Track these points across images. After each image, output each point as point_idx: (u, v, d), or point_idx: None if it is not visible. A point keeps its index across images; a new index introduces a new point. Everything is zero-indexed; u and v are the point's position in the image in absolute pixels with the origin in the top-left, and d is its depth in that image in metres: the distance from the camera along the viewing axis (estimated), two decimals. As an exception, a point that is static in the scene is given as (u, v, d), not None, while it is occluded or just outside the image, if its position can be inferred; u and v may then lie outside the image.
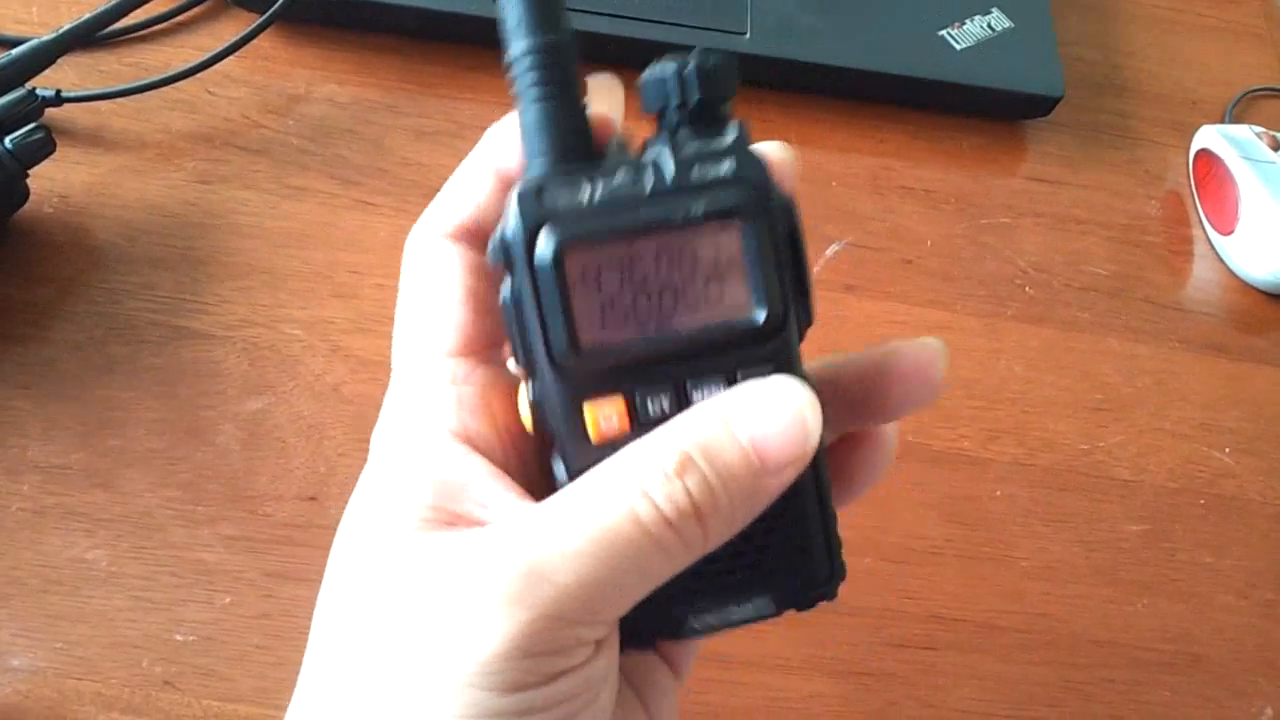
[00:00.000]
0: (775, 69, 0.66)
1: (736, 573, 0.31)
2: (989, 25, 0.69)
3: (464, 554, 0.27)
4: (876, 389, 0.33)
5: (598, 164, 0.29)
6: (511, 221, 0.28)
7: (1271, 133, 0.69)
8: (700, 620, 0.31)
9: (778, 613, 0.31)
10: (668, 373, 0.29)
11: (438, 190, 0.60)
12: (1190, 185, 0.70)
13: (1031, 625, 0.54)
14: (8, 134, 0.52)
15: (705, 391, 0.29)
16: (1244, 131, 0.69)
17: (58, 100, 0.56)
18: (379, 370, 0.54)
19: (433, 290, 0.31)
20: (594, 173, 0.28)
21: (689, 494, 0.27)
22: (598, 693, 0.29)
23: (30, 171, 0.53)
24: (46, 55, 0.55)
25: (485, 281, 0.30)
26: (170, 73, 0.59)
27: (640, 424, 0.28)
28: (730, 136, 0.29)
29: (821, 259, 0.62)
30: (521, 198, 0.27)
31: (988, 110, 0.69)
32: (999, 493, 0.57)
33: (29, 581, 0.47)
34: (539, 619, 0.26)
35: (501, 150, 0.30)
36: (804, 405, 0.28)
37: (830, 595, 0.32)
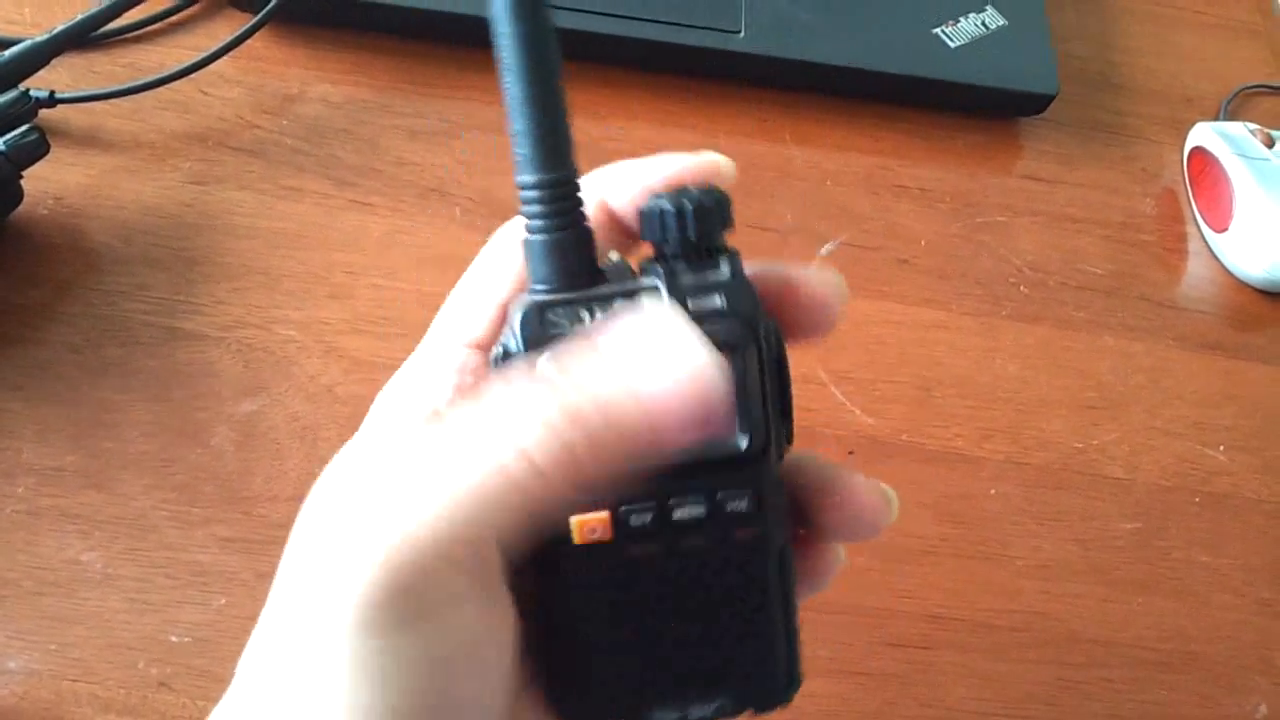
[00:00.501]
0: (769, 68, 0.66)
1: (700, 673, 0.32)
2: (983, 23, 0.69)
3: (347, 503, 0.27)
4: (824, 510, 0.33)
5: (597, 287, 0.30)
6: (514, 340, 0.29)
7: (1266, 130, 0.69)
8: (661, 716, 0.32)
9: (736, 714, 0.32)
10: (652, 490, 0.30)
11: (432, 190, 0.61)
12: (1185, 183, 0.70)
13: (1027, 624, 0.54)
14: (1, 136, 0.52)
15: (686, 511, 0.30)
16: (1238, 128, 0.69)
17: (52, 101, 0.56)
18: (374, 371, 0.54)
19: (488, 283, 0.32)
20: (592, 300, 0.30)
21: (570, 450, 0.26)
22: (480, 651, 0.28)
23: (24, 173, 0.53)
24: (40, 56, 0.55)
25: None
26: (164, 73, 0.59)
27: (623, 535, 0.30)
28: (724, 270, 0.30)
29: (816, 258, 0.62)
30: (525, 318, 0.29)
31: (982, 108, 0.69)
32: (993, 491, 0.57)
33: (24, 583, 0.47)
34: (396, 555, 0.25)
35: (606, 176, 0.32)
36: (703, 366, 0.27)
37: (785, 701, 0.33)
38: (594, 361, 0.27)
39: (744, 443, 0.30)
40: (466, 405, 0.28)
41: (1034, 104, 0.69)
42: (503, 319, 0.31)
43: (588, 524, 0.30)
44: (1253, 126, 0.69)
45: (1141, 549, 0.57)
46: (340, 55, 0.64)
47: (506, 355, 0.30)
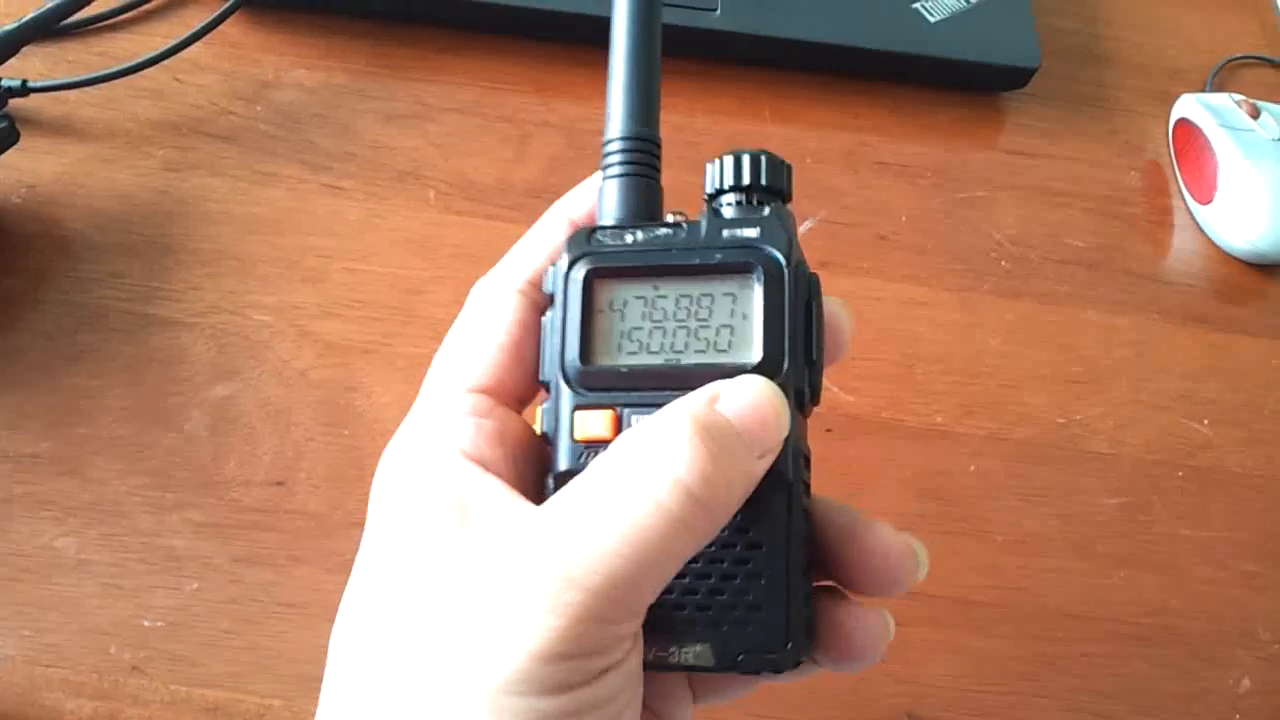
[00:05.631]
0: (746, 44, 0.66)
1: (684, 612, 0.30)
2: (964, -3, 0.68)
3: (495, 558, 0.27)
4: (844, 557, 0.33)
5: (653, 222, 0.33)
6: (564, 254, 0.32)
7: (1251, 100, 0.68)
8: (650, 652, 0.30)
9: (715, 667, 0.30)
10: (658, 398, 0.30)
11: (407, 173, 0.61)
12: (1170, 155, 0.70)
13: (1007, 599, 0.54)
14: (-29, 125, 0.52)
15: None
16: (1223, 100, 0.68)
17: (24, 90, 0.56)
18: (346, 355, 0.54)
19: (480, 332, 0.33)
20: (646, 226, 0.32)
21: (710, 463, 0.27)
22: (637, 688, 0.29)
23: (-4, 162, 0.54)
24: (10, 45, 0.55)
25: (532, 338, 0.33)
26: (137, 60, 0.59)
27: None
28: (769, 210, 0.32)
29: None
30: (573, 236, 0.32)
31: (963, 83, 0.69)
32: (974, 467, 0.57)
33: (-3, 571, 0.48)
34: (574, 623, 0.26)
35: (578, 206, 0.35)
36: (773, 395, 0.29)
37: (779, 667, 0.31)
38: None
39: (754, 358, 0.31)
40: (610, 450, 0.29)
41: (1016, 78, 0.68)
42: (510, 359, 0.33)
43: (588, 418, 0.31)
44: (1238, 97, 0.69)
45: (1124, 523, 0.57)
46: (314, 40, 0.64)
47: (554, 274, 0.32)
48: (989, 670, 0.52)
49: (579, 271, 0.31)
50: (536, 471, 0.32)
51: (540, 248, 0.34)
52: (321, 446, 0.52)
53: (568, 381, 0.31)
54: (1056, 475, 0.57)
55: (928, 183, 0.65)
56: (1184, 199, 0.68)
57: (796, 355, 0.31)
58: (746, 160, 0.33)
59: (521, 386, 0.33)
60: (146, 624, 0.47)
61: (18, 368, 0.52)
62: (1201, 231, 0.67)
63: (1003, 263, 0.64)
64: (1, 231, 0.55)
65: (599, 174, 0.34)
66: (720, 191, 0.33)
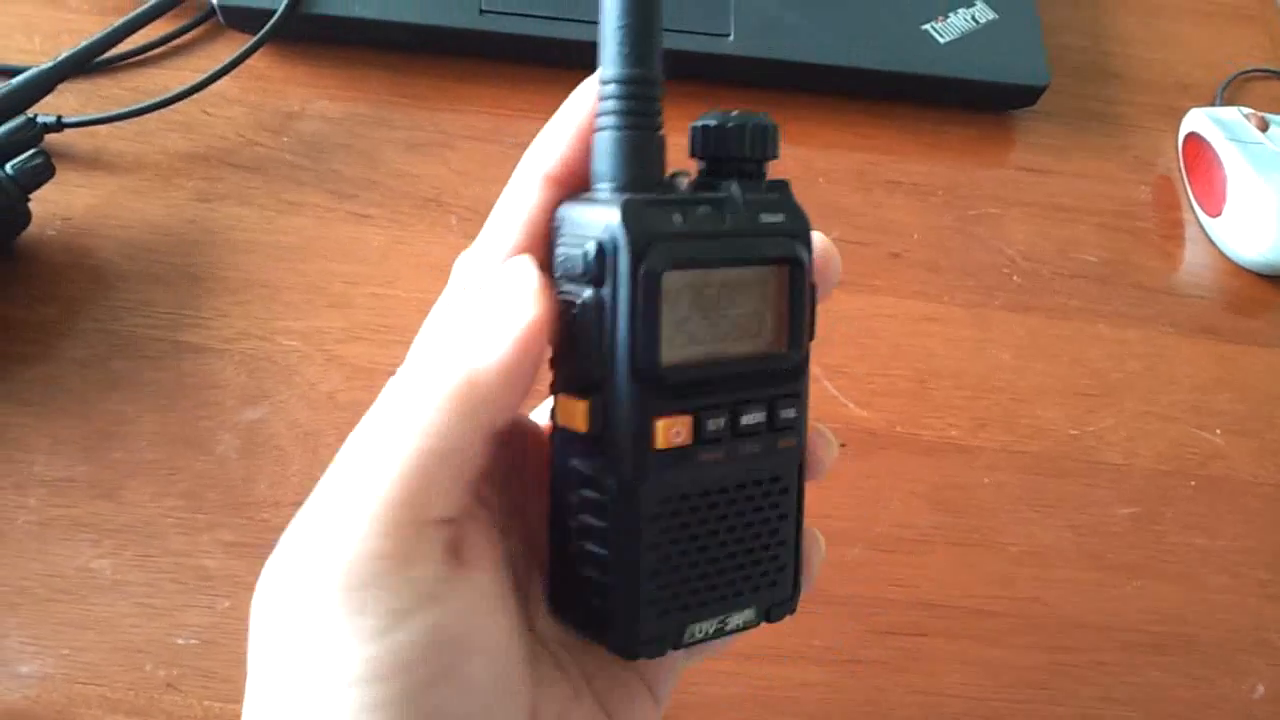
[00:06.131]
0: (759, 69, 0.67)
1: (735, 582, 0.33)
2: (973, 17, 0.69)
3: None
4: None
5: (673, 191, 0.32)
6: (618, 233, 0.29)
7: (1260, 114, 0.69)
8: (700, 628, 0.33)
9: (757, 623, 0.34)
10: (723, 396, 0.32)
11: (429, 200, 0.62)
12: (1180, 169, 0.71)
13: (1021, 610, 0.54)
14: (8, 160, 0.54)
15: (750, 416, 0.32)
16: (1232, 113, 0.69)
17: (58, 126, 0.58)
18: (373, 377, 0.56)
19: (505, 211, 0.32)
20: (680, 201, 0.31)
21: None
22: (466, 651, 0.29)
23: (31, 195, 0.55)
24: (46, 82, 0.57)
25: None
26: (167, 95, 0.61)
27: (699, 440, 0.31)
28: (781, 193, 0.33)
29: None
30: (627, 211, 0.29)
31: (973, 102, 0.70)
32: (988, 480, 0.58)
33: (36, 591, 0.49)
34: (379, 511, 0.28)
35: (548, 158, 0.32)
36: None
37: (793, 610, 0.35)
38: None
39: (797, 353, 0.33)
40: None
41: (1025, 96, 0.69)
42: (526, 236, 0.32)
43: (672, 426, 0.31)
44: (1246, 110, 0.70)
45: (1137, 534, 0.57)
46: (337, 71, 0.65)
47: (602, 251, 0.30)
48: (1004, 679, 0.52)
49: (652, 262, 0.29)
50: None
51: (519, 214, 0.32)
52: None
53: (639, 383, 0.30)
54: (1069, 487, 0.58)
55: (939, 200, 0.67)
56: (1194, 212, 0.69)
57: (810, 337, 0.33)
58: (749, 132, 0.32)
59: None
60: (180, 642, 0.49)
61: (53, 395, 0.53)
62: (1212, 244, 0.68)
63: (1014, 278, 0.65)
64: (38, 262, 0.57)
65: (562, 115, 0.32)
66: (719, 159, 0.32)
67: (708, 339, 0.31)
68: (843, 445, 0.57)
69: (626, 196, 0.30)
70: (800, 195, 0.33)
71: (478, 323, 0.30)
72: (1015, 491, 0.58)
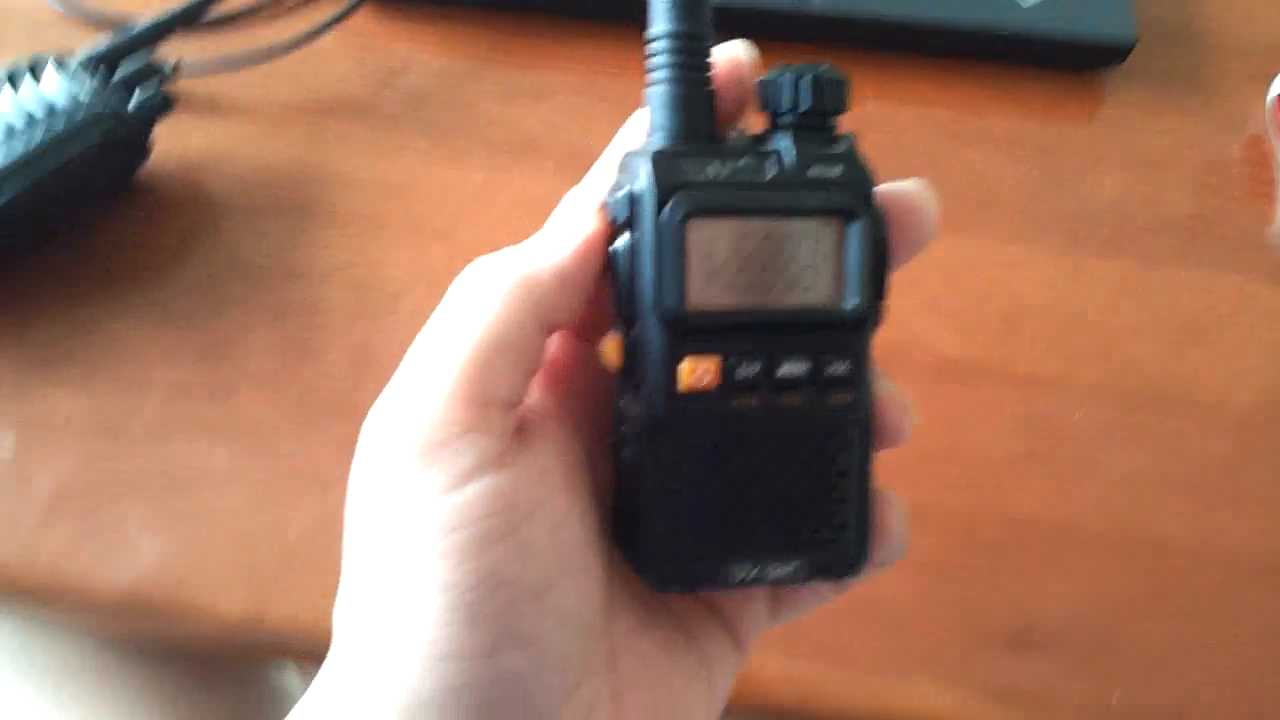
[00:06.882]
0: (844, 27, 0.68)
1: (779, 533, 0.34)
2: (1057, -21, 0.70)
3: None
4: None
5: (721, 145, 0.33)
6: (644, 181, 0.31)
7: (1350, 73, 0.69)
8: (738, 573, 0.34)
9: (808, 579, 0.34)
10: (760, 344, 0.32)
11: (523, 146, 0.64)
12: (1271, 128, 0.71)
13: (1116, 533, 0.54)
14: (130, 98, 0.57)
15: (790, 368, 0.32)
16: (1321, 72, 0.69)
17: (172, 73, 0.61)
18: (474, 304, 0.57)
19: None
20: (721, 152, 0.32)
21: None
22: (523, 517, 0.31)
23: (151, 134, 0.58)
24: (160, 33, 0.60)
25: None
26: (275, 47, 0.63)
27: (727, 385, 0.32)
28: (844, 145, 0.33)
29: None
30: (656, 162, 0.31)
31: (1059, 61, 0.71)
32: (1079, 414, 0.58)
33: (153, 483, 0.51)
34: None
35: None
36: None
37: (856, 572, 0.35)
38: None
39: (850, 305, 0.33)
40: None
41: (1112, 55, 0.70)
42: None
43: (696, 369, 0.32)
44: (1335, 71, 0.70)
45: (1233, 470, 0.57)
46: (437, 28, 0.68)
47: (632, 199, 0.32)
48: (1100, 596, 0.52)
49: (675, 210, 0.31)
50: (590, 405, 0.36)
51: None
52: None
53: (664, 326, 0.32)
54: (1163, 422, 0.58)
55: (1025, 154, 0.67)
56: (1285, 169, 0.69)
57: (874, 294, 0.33)
58: (810, 83, 0.33)
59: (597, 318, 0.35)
60: (292, 532, 0.50)
61: (170, 314, 0.56)
62: (1304, 199, 0.68)
63: (1103, 228, 0.65)
64: (155, 194, 0.59)
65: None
66: (783, 113, 0.33)
67: (747, 289, 0.32)
68: (932, 376, 0.58)
69: (660, 147, 0.32)
70: (883, 150, 0.34)
71: (542, 236, 0.34)
72: (1107, 425, 0.58)
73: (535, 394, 0.35)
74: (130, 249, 0.57)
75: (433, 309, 0.57)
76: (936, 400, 0.57)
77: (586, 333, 0.36)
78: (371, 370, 0.55)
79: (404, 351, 0.56)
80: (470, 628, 0.29)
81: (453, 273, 0.58)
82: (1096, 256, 0.64)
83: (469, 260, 0.58)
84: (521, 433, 0.32)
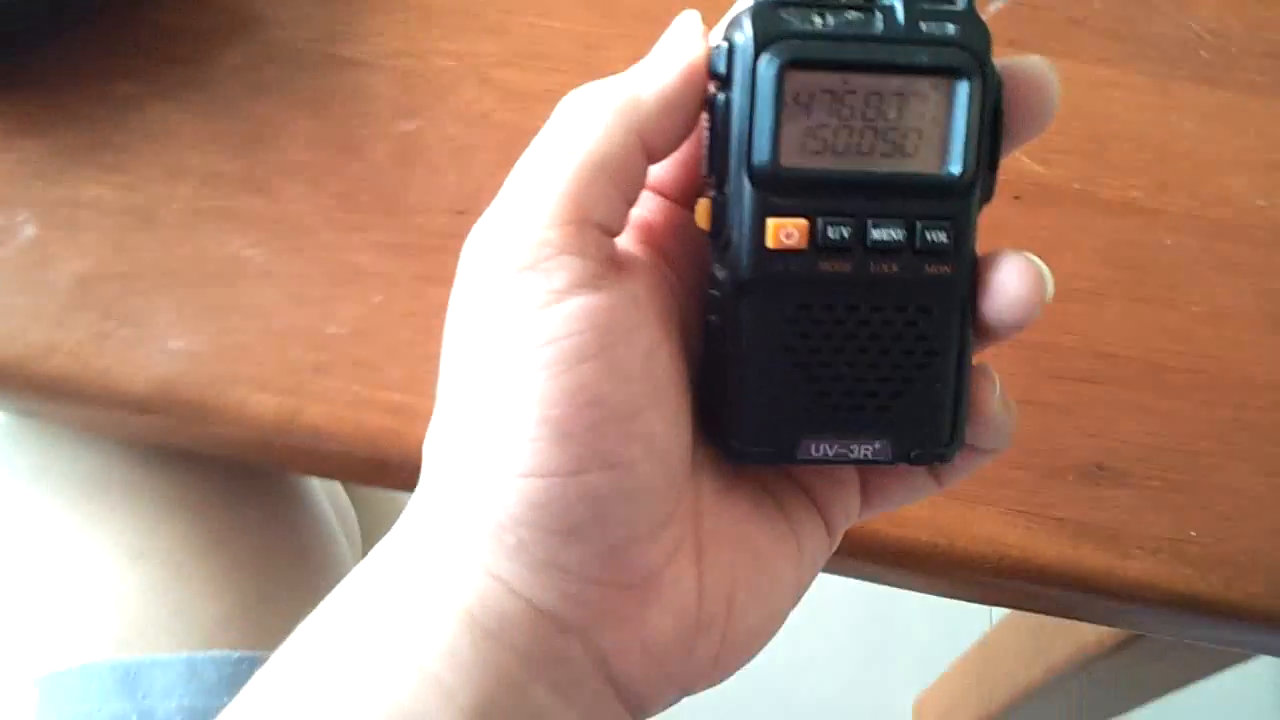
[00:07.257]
0: None
1: (865, 411, 0.32)
2: None
3: None
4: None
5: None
6: (745, 32, 0.29)
7: None
8: (818, 448, 0.32)
9: (893, 461, 0.32)
10: (852, 207, 0.30)
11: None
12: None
13: (1200, 366, 0.51)
14: None
15: (883, 232, 0.30)
16: None
17: None
18: (528, 101, 0.54)
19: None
20: (829, 5, 0.30)
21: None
22: (614, 338, 0.30)
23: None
24: None
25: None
26: None
27: (816, 246, 0.30)
28: (963, 2, 0.30)
29: (985, 14, 0.60)
30: (757, 12, 0.29)
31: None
32: (1169, 241, 0.54)
33: (186, 274, 0.48)
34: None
35: None
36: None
37: (947, 459, 0.33)
38: None
39: (954, 171, 0.30)
40: None
41: None
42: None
43: (783, 227, 0.30)
44: None
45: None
46: None
47: (733, 49, 0.30)
48: (1181, 431, 0.50)
49: (769, 59, 0.29)
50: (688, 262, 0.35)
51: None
52: (502, 181, 0.52)
53: (754, 182, 0.30)
54: (1254, 253, 0.55)
55: (1121, -27, 0.63)
56: (1399, -1, 0.64)
57: (983, 162, 0.31)
58: None
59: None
60: (330, 331, 0.48)
61: (209, 97, 0.53)
62: None
63: (1200, 52, 0.61)
64: (194, -26, 0.56)
65: None
66: None
67: (845, 148, 0.30)
68: (1016, 197, 0.55)
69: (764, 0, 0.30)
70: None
71: (648, 60, 0.32)
72: (1197, 254, 0.54)
73: (633, 248, 0.34)
74: (167, 30, 0.54)
75: (482, 104, 0.54)
76: (1018, 226, 0.54)
77: (683, 199, 0.35)
78: (417, 166, 0.52)
79: (451, 148, 0.53)
80: (557, 444, 0.29)
81: (505, 68, 0.55)
82: (1191, 82, 0.59)
83: (520, 57, 0.55)
84: (618, 262, 0.32)
